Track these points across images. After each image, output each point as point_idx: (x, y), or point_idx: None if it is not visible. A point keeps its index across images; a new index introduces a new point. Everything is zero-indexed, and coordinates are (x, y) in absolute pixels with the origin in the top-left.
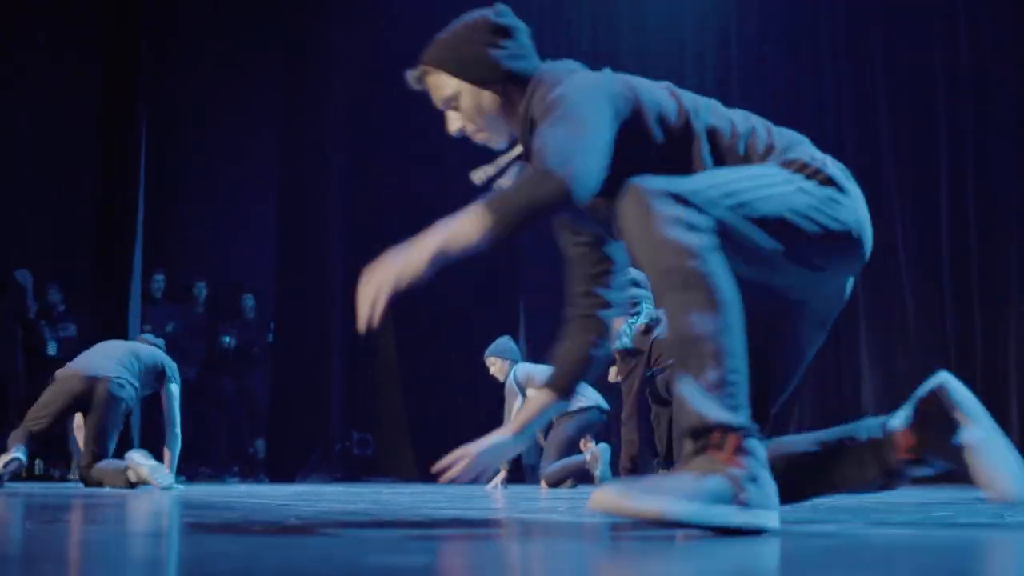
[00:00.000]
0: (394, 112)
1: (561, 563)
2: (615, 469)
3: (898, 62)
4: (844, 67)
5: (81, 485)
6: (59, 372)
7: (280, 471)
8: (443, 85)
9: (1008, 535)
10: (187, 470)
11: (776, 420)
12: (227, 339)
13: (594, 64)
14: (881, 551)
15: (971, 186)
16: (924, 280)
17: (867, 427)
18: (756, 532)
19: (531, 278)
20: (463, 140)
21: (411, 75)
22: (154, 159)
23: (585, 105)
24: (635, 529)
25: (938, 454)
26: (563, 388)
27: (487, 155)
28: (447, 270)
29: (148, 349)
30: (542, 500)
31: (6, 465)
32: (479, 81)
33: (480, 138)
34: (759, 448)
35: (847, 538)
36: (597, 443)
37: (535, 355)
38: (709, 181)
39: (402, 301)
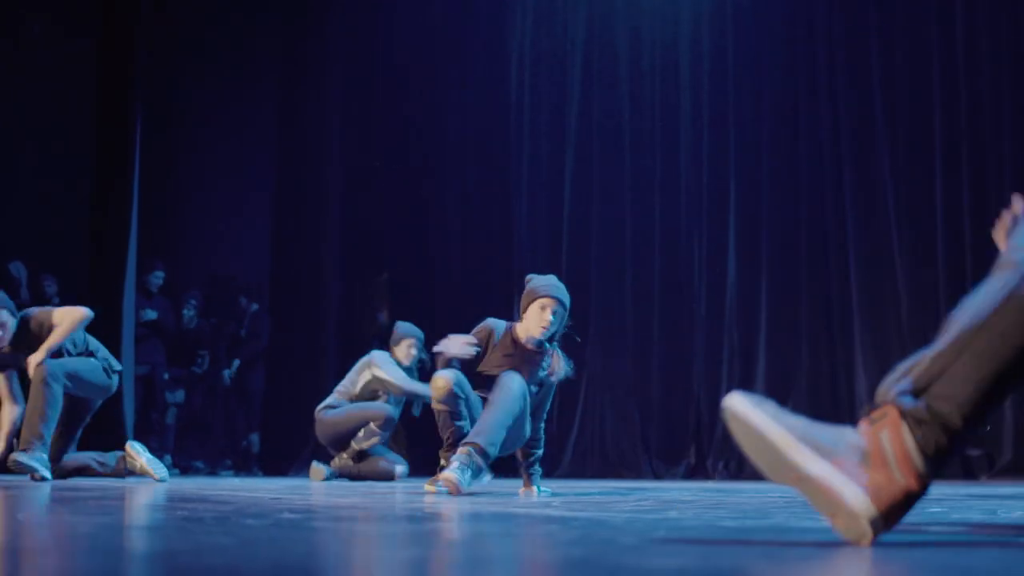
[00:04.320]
0: (392, 110)
1: (557, 557)
2: None
3: (897, 67)
4: (840, 80)
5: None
6: None
7: (273, 465)
8: None
9: (1000, 531)
10: (181, 463)
11: None
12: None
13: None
14: (876, 547)
15: (966, 182)
16: (920, 276)
17: None
18: None
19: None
20: (459, 141)
21: None
22: (149, 151)
23: None
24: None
25: None
26: None
27: (486, 156)
28: (442, 265)
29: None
30: (537, 496)
31: None
32: None
33: None
34: None
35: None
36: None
37: None
38: None
39: (398, 299)
